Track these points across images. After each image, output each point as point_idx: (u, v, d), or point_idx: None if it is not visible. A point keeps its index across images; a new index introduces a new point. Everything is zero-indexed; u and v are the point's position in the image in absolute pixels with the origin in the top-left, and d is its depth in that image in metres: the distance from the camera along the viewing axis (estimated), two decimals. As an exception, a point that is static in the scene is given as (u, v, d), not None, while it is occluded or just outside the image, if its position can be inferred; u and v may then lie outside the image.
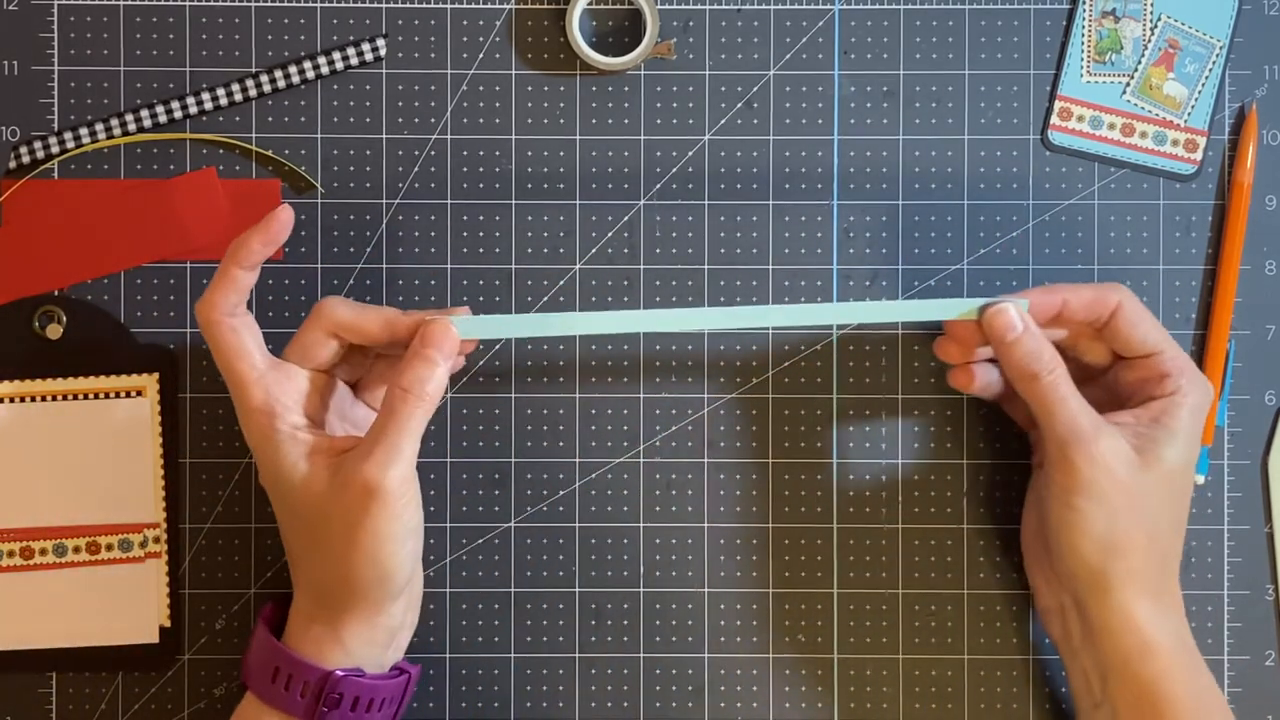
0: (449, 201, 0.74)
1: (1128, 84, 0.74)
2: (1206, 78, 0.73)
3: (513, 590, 0.74)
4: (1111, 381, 0.71)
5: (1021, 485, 0.74)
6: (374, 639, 0.66)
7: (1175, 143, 0.74)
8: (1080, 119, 0.74)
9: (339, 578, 0.65)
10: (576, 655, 0.74)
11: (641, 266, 0.75)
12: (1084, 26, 0.74)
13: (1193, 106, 0.74)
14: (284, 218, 0.66)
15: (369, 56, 0.74)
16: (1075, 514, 0.66)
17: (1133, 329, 0.68)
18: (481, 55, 0.74)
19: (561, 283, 0.74)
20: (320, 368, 0.67)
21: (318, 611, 0.66)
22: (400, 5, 0.74)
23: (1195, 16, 0.74)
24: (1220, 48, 0.73)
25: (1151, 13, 0.74)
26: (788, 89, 0.75)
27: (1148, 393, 0.68)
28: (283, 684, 0.65)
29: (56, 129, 0.74)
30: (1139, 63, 0.73)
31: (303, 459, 0.65)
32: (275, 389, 0.66)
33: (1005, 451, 0.75)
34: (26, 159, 0.73)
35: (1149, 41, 0.73)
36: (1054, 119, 0.74)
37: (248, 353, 0.66)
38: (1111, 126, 0.74)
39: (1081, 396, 0.67)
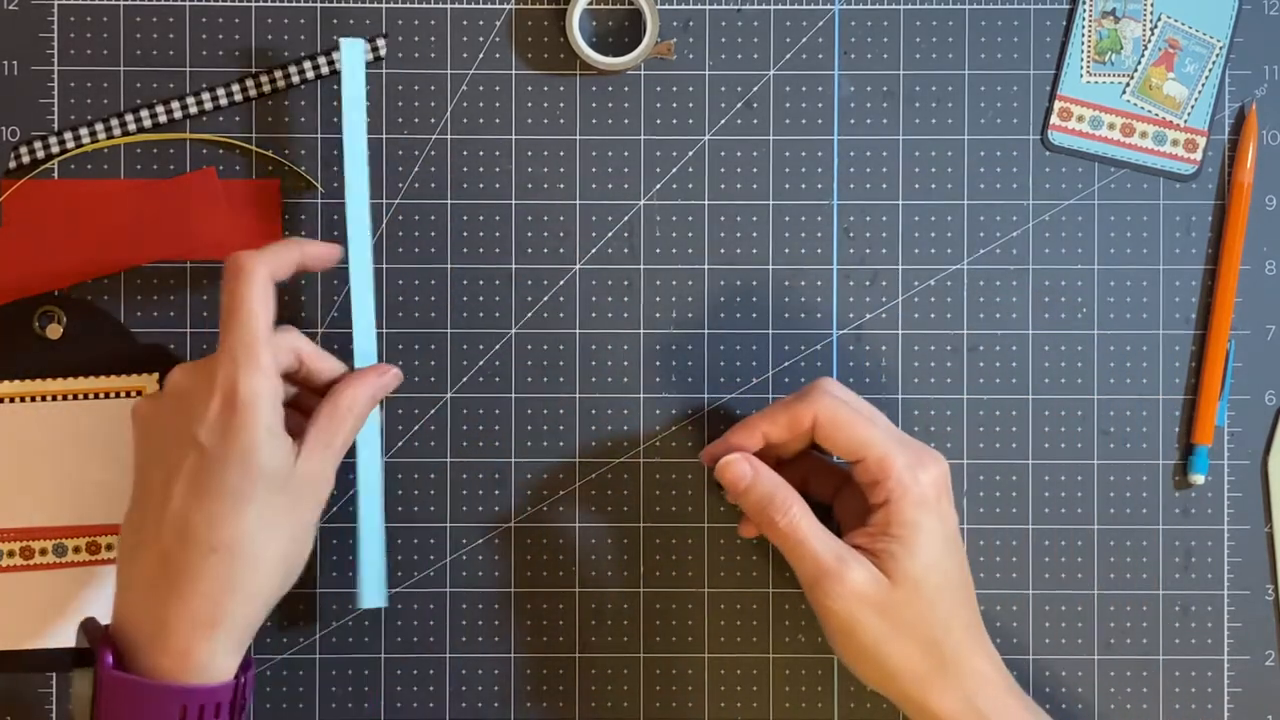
0: (449, 201, 0.74)
1: (1128, 84, 0.74)
2: (1206, 78, 0.73)
3: (513, 590, 0.74)
4: (858, 483, 0.69)
5: (1021, 485, 0.74)
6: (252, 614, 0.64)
7: (1175, 143, 0.74)
8: (1080, 119, 0.74)
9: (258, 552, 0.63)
10: (576, 655, 0.74)
11: (641, 266, 0.75)
12: (1084, 27, 0.74)
13: (1192, 107, 0.74)
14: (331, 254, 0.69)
15: (369, 56, 0.74)
16: (847, 652, 0.68)
17: (835, 436, 0.67)
18: (481, 55, 0.74)
19: (561, 283, 0.74)
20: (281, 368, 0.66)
21: (180, 607, 0.62)
22: (400, 5, 0.74)
23: (1195, 17, 0.74)
24: (1220, 48, 0.73)
25: (1151, 13, 0.74)
26: (788, 89, 0.75)
27: (877, 498, 0.68)
28: None
29: (56, 129, 0.74)
30: (1139, 63, 0.73)
31: (283, 433, 0.64)
32: (273, 360, 0.64)
33: (1005, 451, 0.75)
34: (26, 159, 0.73)
35: (1149, 42, 0.73)
36: (1054, 119, 0.74)
37: (267, 312, 0.64)
38: (1111, 126, 0.74)
39: (824, 530, 0.67)
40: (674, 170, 0.75)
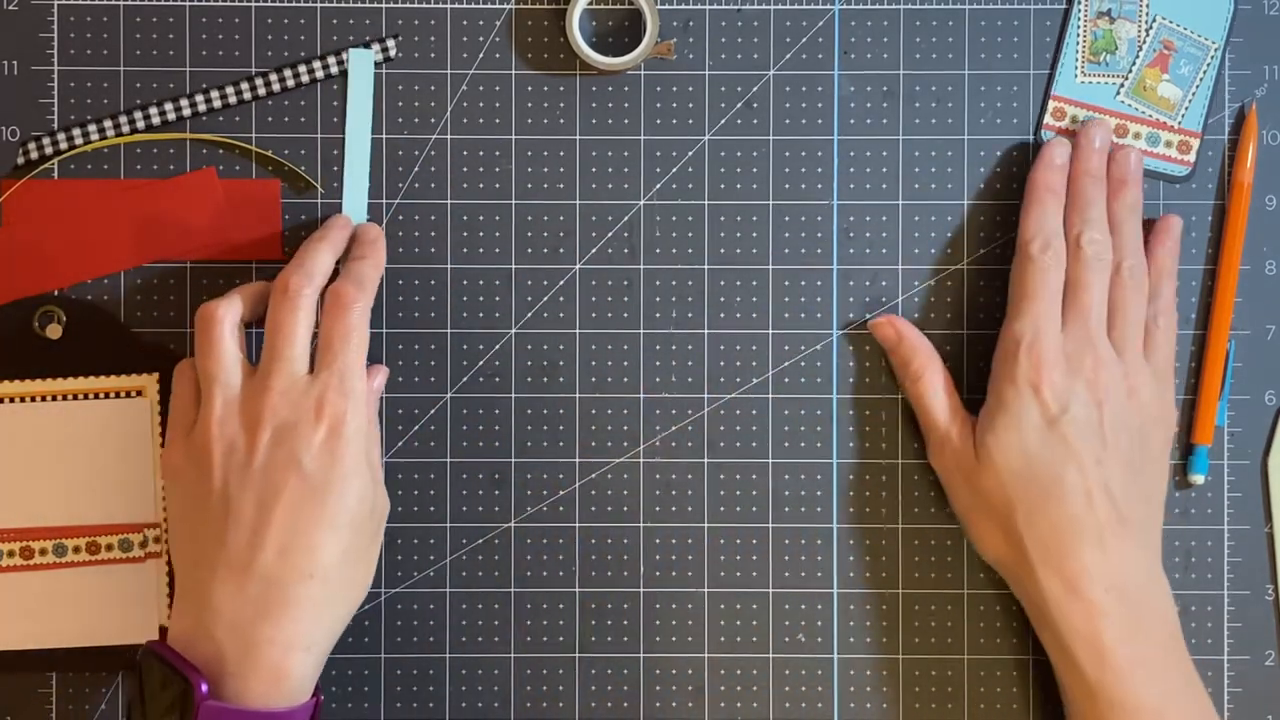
0: (449, 201, 0.74)
1: (1122, 85, 0.74)
2: (1201, 80, 0.73)
3: (513, 590, 0.74)
4: None
5: (1021, 485, 0.74)
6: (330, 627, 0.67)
7: (1169, 144, 0.74)
8: (1074, 119, 0.74)
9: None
10: (576, 655, 0.74)
11: (641, 266, 0.75)
12: (1079, 27, 0.74)
13: (1187, 108, 0.74)
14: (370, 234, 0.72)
15: (379, 57, 0.74)
16: (956, 514, 0.72)
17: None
18: (481, 55, 0.74)
19: (561, 283, 0.74)
20: None
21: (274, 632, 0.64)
22: (400, 5, 0.74)
23: (1190, 18, 0.74)
24: (1215, 50, 0.73)
25: (1147, 14, 0.74)
26: (788, 89, 0.75)
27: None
28: None
29: (56, 129, 0.74)
30: (1133, 64, 0.73)
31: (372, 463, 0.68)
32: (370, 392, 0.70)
33: (1005, 451, 0.75)
34: (23, 160, 0.73)
35: (1144, 43, 0.73)
36: (1048, 118, 0.74)
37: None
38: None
39: (950, 395, 0.72)
40: (674, 170, 0.75)
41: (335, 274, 0.69)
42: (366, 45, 0.74)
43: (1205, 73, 0.73)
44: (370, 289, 0.68)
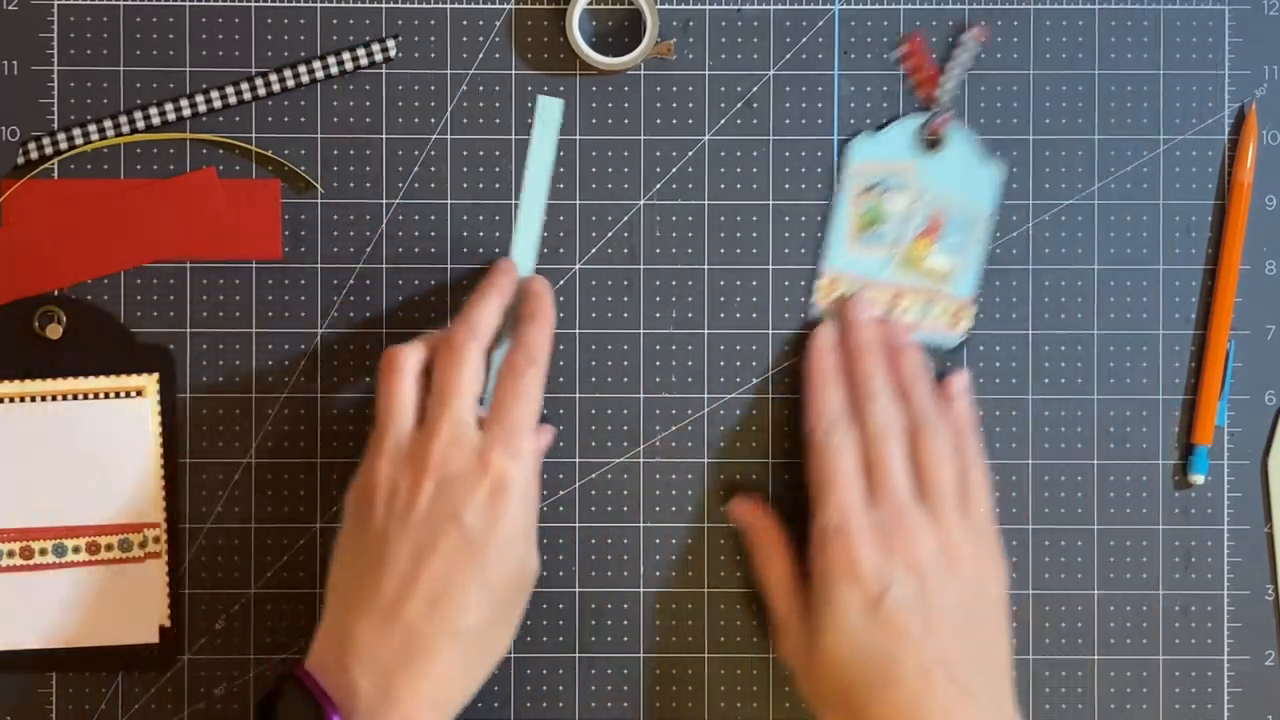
0: (449, 201, 0.74)
1: (892, 257, 0.74)
2: (971, 249, 0.73)
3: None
4: None
5: (1021, 485, 0.74)
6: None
7: (940, 314, 0.74)
8: (845, 292, 0.74)
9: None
10: (576, 655, 0.74)
11: (641, 266, 0.75)
12: (848, 200, 0.74)
13: (957, 278, 0.74)
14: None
15: (379, 57, 0.74)
16: None
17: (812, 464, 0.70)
18: (481, 55, 0.74)
19: (561, 283, 0.74)
20: None
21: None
22: (400, 5, 0.74)
23: (959, 189, 0.74)
24: (984, 218, 0.73)
25: (915, 186, 0.73)
26: (788, 89, 0.75)
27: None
28: None
29: (56, 129, 0.74)
30: (903, 236, 0.73)
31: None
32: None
33: (1004, 451, 0.75)
34: (23, 159, 0.73)
35: (913, 215, 0.73)
36: (818, 293, 0.74)
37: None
38: (879, 300, 0.74)
39: (792, 583, 0.70)
40: (674, 170, 0.75)
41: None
42: (368, 45, 0.74)
43: (975, 242, 0.73)
44: (542, 357, 0.68)
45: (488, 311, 0.69)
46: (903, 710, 0.64)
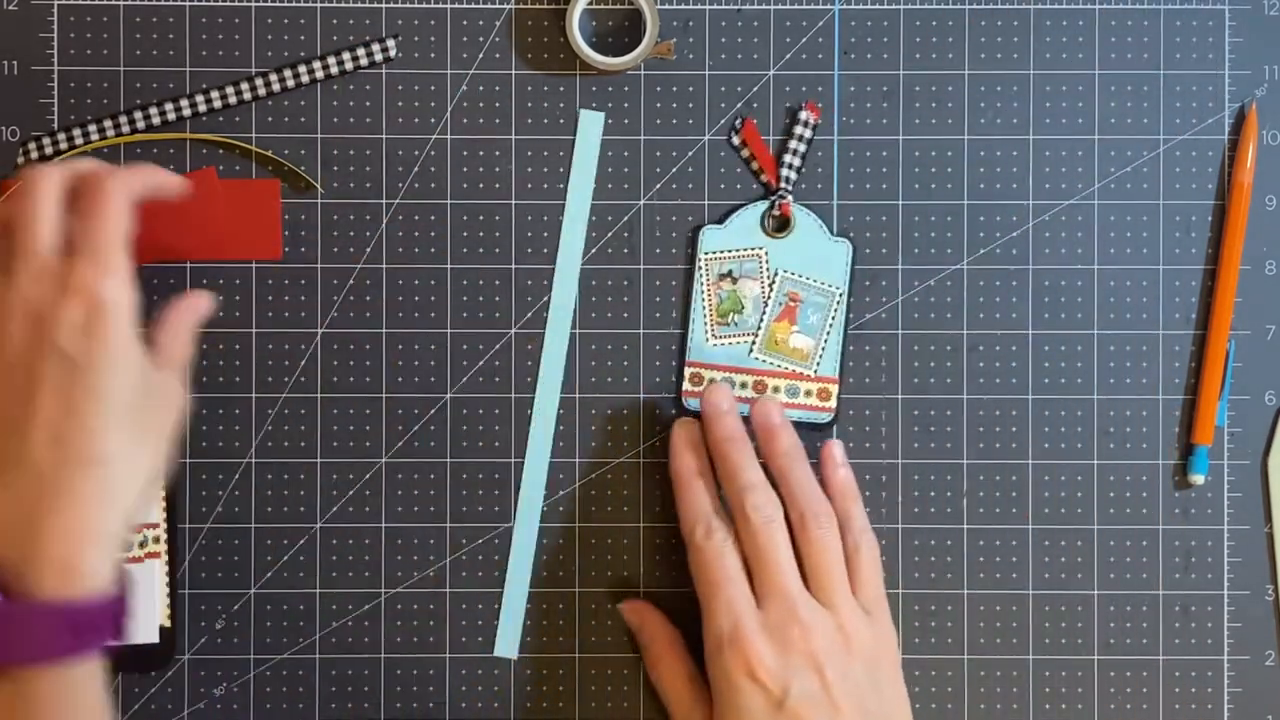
0: (449, 201, 0.74)
1: (754, 342, 0.74)
2: (831, 326, 0.73)
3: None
4: None
5: (1021, 485, 0.74)
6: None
7: (809, 393, 0.74)
8: (711, 382, 0.74)
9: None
10: (576, 655, 0.74)
11: (641, 267, 0.75)
12: (704, 291, 0.73)
13: (821, 356, 0.74)
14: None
15: (379, 56, 0.74)
16: None
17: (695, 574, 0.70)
18: (481, 55, 0.74)
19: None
20: None
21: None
22: (400, 5, 0.74)
23: (812, 267, 0.74)
24: (840, 294, 0.73)
25: (768, 270, 0.73)
26: (788, 89, 0.75)
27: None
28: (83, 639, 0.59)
29: (56, 129, 0.74)
30: (762, 320, 0.73)
31: (137, 339, 0.63)
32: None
33: (1005, 451, 0.75)
34: (23, 159, 0.73)
35: (769, 298, 0.73)
36: (686, 385, 0.74)
37: (127, 222, 0.64)
38: (744, 385, 0.74)
39: (688, 683, 0.70)
40: (674, 170, 0.75)
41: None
42: (367, 45, 0.74)
43: (834, 318, 0.73)
44: (120, 172, 0.65)
45: (60, 174, 0.65)
46: None
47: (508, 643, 0.74)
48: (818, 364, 0.74)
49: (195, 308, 0.69)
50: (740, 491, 0.69)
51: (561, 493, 0.74)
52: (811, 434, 0.74)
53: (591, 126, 0.74)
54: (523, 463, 0.74)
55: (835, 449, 0.72)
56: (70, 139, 0.73)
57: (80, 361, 0.60)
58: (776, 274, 0.74)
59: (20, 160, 0.73)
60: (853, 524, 0.70)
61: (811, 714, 0.65)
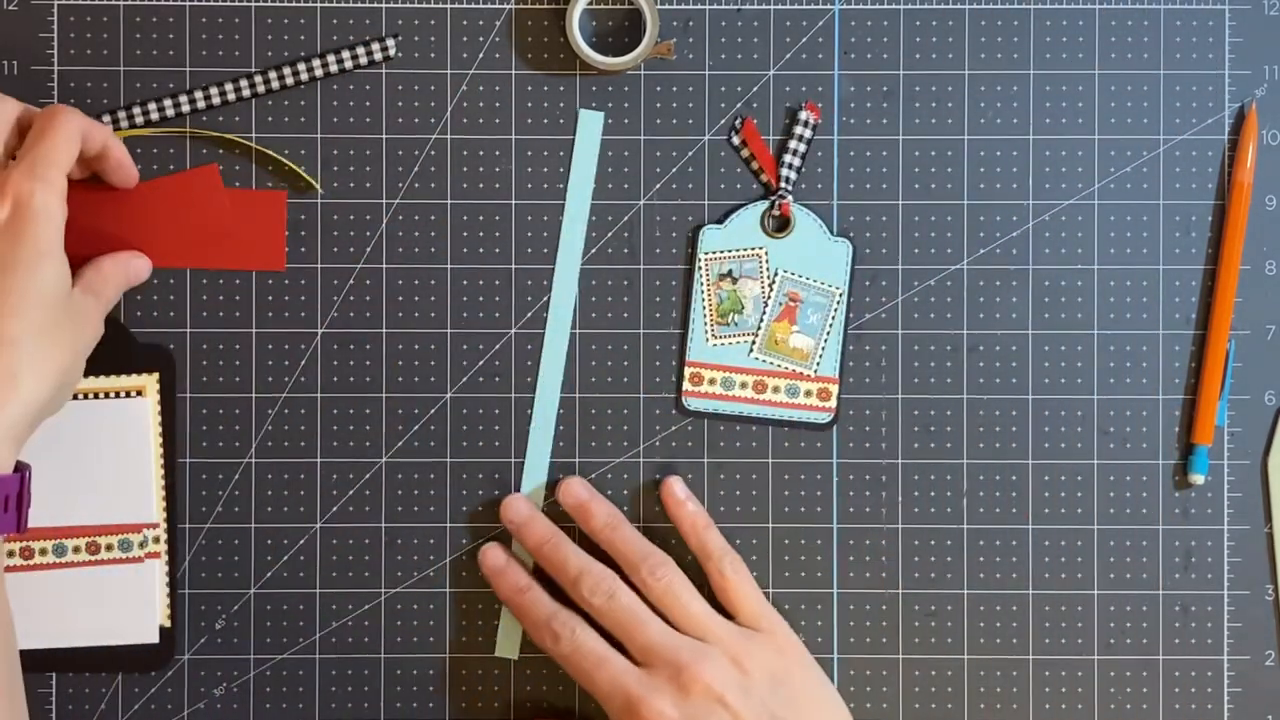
0: (449, 201, 0.74)
1: (754, 342, 0.74)
2: (831, 326, 0.73)
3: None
4: None
5: (1021, 485, 0.74)
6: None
7: (808, 394, 0.74)
8: (712, 382, 0.74)
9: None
10: (576, 655, 0.74)
11: (641, 267, 0.75)
12: (703, 291, 0.74)
13: (821, 355, 0.74)
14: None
15: (378, 56, 0.74)
16: None
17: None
18: (481, 55, 0.74)
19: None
20: None
21: None
22: (400, 5, 0.74)
23: (811, 268, 0.74)
24: (840, 295, 0.73)
25: (768, 270, 0.73)
26: (788, 89, 0.75)
27: None
28: None
29: (56, 129, 0.74)
30: (761, 320, 0.73)
31: (64, 257, 0.66)
32: (64, 187, 0.66)
33: (1005, 451, 0.75)
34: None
35: (769, 298, 0.73)
36: (685, 385, 0.74)
37: (74, 151, 0.67)
38: (744, 385, 0.74)
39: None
40: (674, 170, 0.74)
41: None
42: (367, 44, 0.74)
43: (834, 319, 0.73)
44: (90, 127, 0.67)
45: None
46: None
47: (509, 643, 0.74)
48: (818, 364, 0.74)
49: (133, 266, 0.72)
50: (574, 584, 0.70)
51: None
52: (811, 434, 0.74)
53: (591, 126, 0.74)
54: (523, 463, 0.74)
55: (675, 485, 0.73)
56: (70, 139, 0.73)
57: (2, 255, 0.64)
58: (776, 274, 0.74)
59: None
60: (711, 551, 0.71)
61: None
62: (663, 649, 0.68)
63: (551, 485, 0.74)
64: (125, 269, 0.72)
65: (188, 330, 0.74)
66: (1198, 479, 0.74)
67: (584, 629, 0.69)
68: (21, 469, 0.65)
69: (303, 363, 0.74)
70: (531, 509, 0.73)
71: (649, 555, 0.70)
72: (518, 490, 0.74)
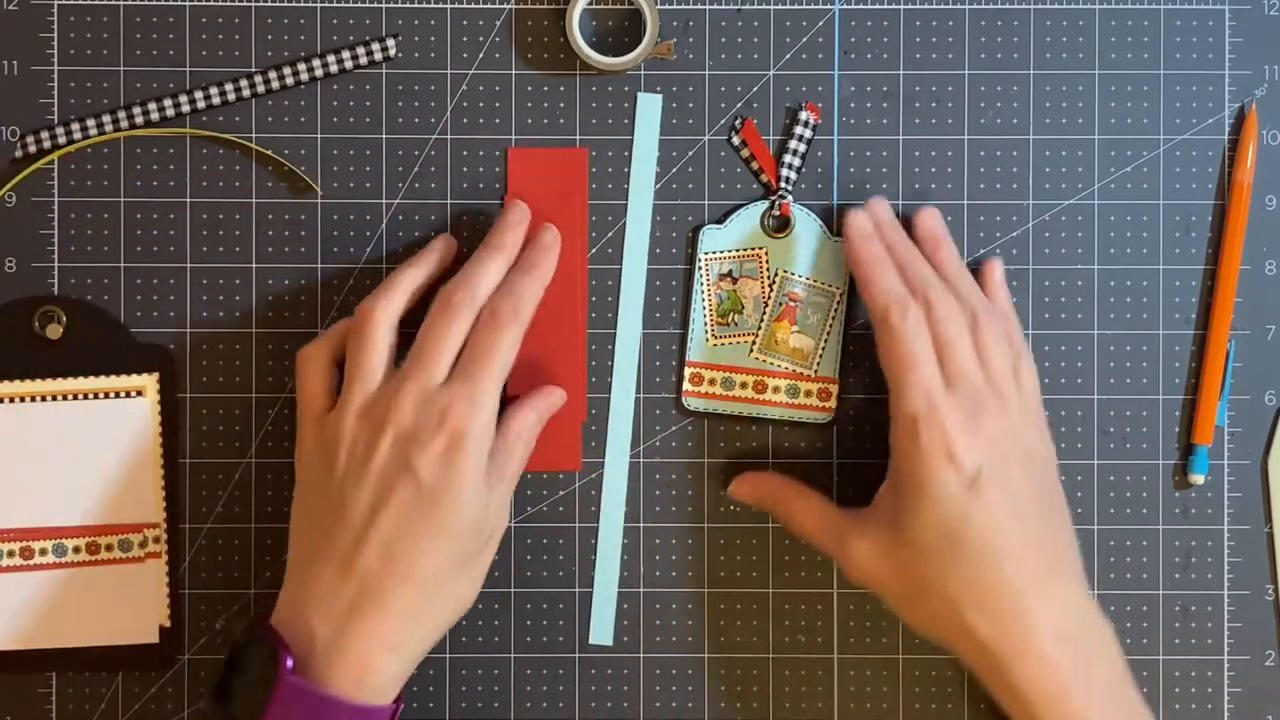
0: (449, 201, 0.74)
1: (754, 342, 0.74)
2: (831, 326, 0.73)
3: (513, 590, 0.74)
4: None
5: (1021, 485, 0.74)
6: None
7: (808, 394, 0.74)
8: (712, 382, 0.74)
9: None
10: (576, 655, 0.74)
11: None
12: (703, 291, 0.74)
13: (820, 356, 0.74)
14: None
15: (378, 56, 0.74)
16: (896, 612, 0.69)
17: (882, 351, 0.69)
18: (481, 55, 0.74)
19: (561, 283, 0.74)
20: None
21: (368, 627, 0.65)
22: (400, 5, 0.74)
23: (812, 268, 0.74)
24: (840, 295, 0.73)
25: (768, 271, 0.74)
26: (788, 89, 0.75)
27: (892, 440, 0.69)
28: None
29: (55, 125, 0.73)
30: (761, 320, 0.73)
31: (486, 476, 0.67)
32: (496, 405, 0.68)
33: (1005, 451, 0.75)
34: (20, 154, 0.73)
35: (769, 298, 0.73)
36: (685, 385, 0.74)
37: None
38: (744, 385, 0.74)
39: (825, 510, 0.70)
40: (674, 170, 0.74)
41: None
42: (367, 44, 0.74)
43: (834, 319, 0.73)
44: (527, 311, 0.68)
45: (490, 272, 0.69)
46: (1000, 589, 0.65)
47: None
48: (818, 364, 0.74)
49: (550, 399, 0.72)
50: (925, 284, 0.69)
51: (562, 493, 0.74)
52: (811, 434, 0.74)
53: (650, 110, 0.73)
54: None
55: (997, 269, 0.73)
56: (69, 134, 0.73)
57: (431, 489, 0.65)
58: (776, 274, 0.74)
59: (18, 154, 0.73)
60: (1015, 340, 0.70)
61: (999, 499, 0.66)
62: (974, 385, 0.67)
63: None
64: (534, 417, 0.71)
65: (188, 330, 0.74)
66: (1198, 479, 0.74)
67: (924, 320, 0.68)
68: (401, 698, 0.67)
69: (303, 363, 0.74)
70: (890, 213, 0.73)
71: (989, 308, 0.70)
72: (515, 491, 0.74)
